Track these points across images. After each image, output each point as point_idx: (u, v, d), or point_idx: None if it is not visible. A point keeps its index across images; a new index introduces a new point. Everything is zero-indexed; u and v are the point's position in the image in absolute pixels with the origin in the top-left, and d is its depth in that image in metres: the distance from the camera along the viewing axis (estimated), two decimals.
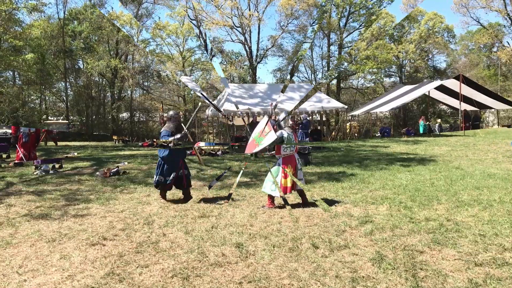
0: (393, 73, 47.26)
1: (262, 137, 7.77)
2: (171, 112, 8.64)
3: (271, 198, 7.73)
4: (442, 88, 25.16)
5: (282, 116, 8.25)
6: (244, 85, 26.72)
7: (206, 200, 8.49)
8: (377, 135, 29.54)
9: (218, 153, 19.59)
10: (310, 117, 23.22)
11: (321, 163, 14.34)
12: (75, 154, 15.59)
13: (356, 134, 29.08)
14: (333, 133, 29.10)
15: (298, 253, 5.11)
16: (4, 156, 14.71)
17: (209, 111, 23.65)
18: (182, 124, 8.66)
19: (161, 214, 7.28)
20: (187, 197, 8.57)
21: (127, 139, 24.52)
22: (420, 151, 17.17)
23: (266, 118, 8.07)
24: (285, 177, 7.58)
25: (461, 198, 7.87)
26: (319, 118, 29.71)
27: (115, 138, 24.82)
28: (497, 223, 6.11)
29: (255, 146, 7.75)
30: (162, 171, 8.28)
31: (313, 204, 7.69)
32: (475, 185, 9.12)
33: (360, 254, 5.01)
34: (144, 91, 44.54)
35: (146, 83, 45.13)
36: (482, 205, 7.23)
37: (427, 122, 27.50)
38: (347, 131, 29.49)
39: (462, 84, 22.38)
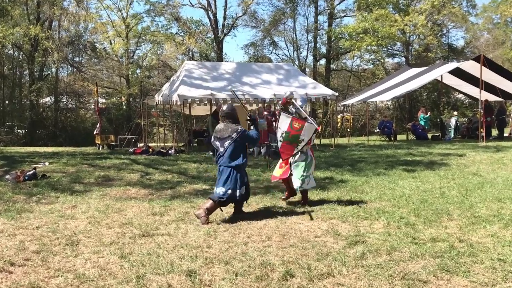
0: (398, 52, 47.70)
1: (297, 134, 8.40)
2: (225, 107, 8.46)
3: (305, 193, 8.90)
4: (458, 72, 25.46)
5: (299, 102, 8.64)
6: (206, 63, 26.56)
7: (153, 213, 8.42)
8: (375, 130, 29.82)
9: (170, 151, 19.46)
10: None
11: None
12: (46, 164, 15.16)
13: (349, 129, 29.27)
14: (320, 127, 29.29)
15: (267, 283, 5.10)
16: None
17: (159, 97, 23.41)
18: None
19: (90, 232, 7.17)
20: (239, 210, 8.33)
21: (114, 143, 23.38)
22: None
23: (285, 114, 8.55)
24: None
25: (478, 213, 8.02)
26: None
27: (99, 142, 23.61)
28: None
29: (292, 148, 8.57)
30: (235, 182, 7.90)
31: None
32: (496, 196, 9.31)
33: (348, 284, 5.03)
34: (74, 69, 43.77)
35: (77, 59, 44.38)
36: (503, 222, 7.38)
37: (428, 114, 27.88)
38: (338, 125, 29.65)
39: (484, 67, 22.71)
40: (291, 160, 8.87)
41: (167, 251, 6.20)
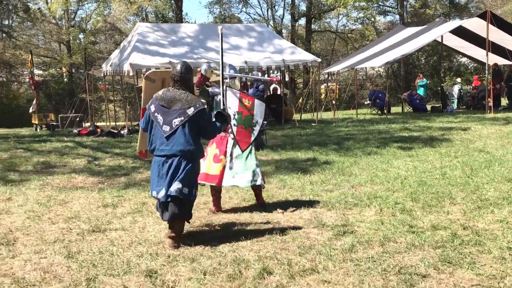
0: (391, 9, 47.72)
1: (249, 114, 7.67)
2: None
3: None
4: (461, 32, 25.60)
5: (228, 70, 8.23)
6: (163, 25, 26.32)
7: (105, 205, 8.38)
8: (365, 102, 29.89)
9: (122, 132, 19.33)
10: (266, 76, 23.25)
11: (281, 145, 14.43)
12: None
13: (334, 101, 29.26)
14: (300, 100, 29.30)
15: (241, 282, 5.14)
16: None
17: (107, 67, 23.14)
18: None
19: (29, 229, 7.11)
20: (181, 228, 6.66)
21: (54, 123, 22.96)
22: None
23: (229, 87, 7.67)
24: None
25: (484, 196, 8.15)
26: (279, 78, 29.73)
27: (36, 122, 23.16)
28: None
29: (249, 135, 7.63)
30: (187, 176, 6.31)
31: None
32: (506, 176, 9.46)
33: (335, 281, 5.10)
34: (3, 35, 43.07)
35: (6, 22, 43.60)
36: None
37: (428, 81, 27.95)
38: (322, 96, 29.64)
39: (491, 26, 22.89)
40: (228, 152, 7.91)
41: (122, 248, 6.19)
